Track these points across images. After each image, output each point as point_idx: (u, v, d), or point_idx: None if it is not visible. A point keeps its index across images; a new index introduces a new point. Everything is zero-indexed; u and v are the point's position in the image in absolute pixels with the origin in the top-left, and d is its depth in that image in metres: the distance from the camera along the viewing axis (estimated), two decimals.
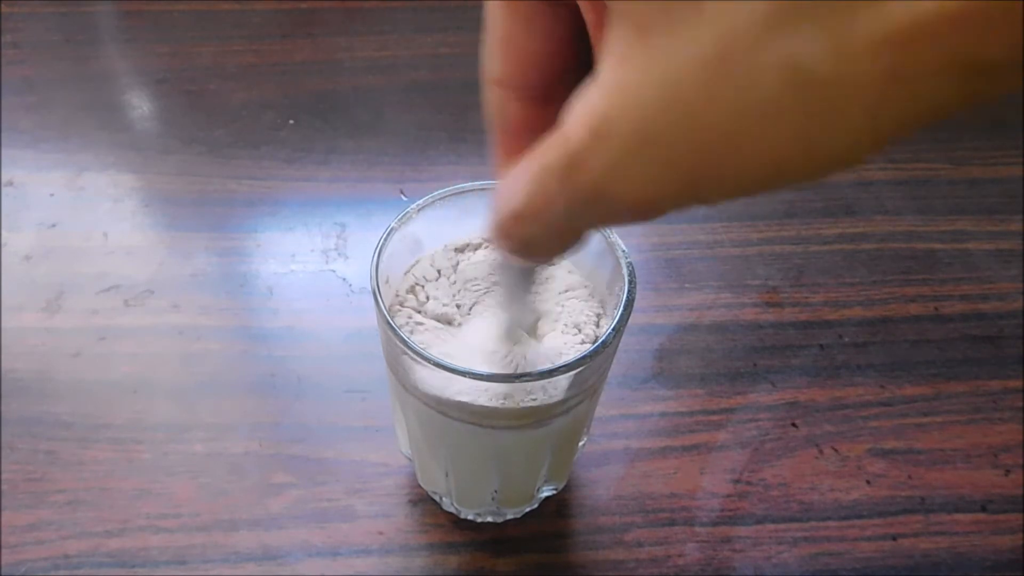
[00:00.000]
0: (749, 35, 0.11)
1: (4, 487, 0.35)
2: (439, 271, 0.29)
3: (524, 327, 0.26)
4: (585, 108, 0.13)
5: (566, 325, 0.28)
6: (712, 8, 0.11)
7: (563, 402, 0.26)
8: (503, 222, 0.16)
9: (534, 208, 0.15)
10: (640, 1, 0.12)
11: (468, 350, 0.27)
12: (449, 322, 0.28)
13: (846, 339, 0.42)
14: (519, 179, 0.15)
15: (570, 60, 0.16)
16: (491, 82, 0.16)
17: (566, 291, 0.29)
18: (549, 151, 0.14)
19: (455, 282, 0.29)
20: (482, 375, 0.24)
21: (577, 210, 0.14)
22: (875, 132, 0.11)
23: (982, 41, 0.10)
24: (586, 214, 0.15)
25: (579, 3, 0.14)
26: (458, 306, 0.29)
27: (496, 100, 0.17)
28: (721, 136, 0.12)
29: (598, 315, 0.28)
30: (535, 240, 0.16)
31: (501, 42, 0.16)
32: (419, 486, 0.35)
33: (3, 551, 0.33)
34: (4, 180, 0.48)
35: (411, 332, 0.27)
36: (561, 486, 0.35)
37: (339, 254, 0.45)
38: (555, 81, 0.16)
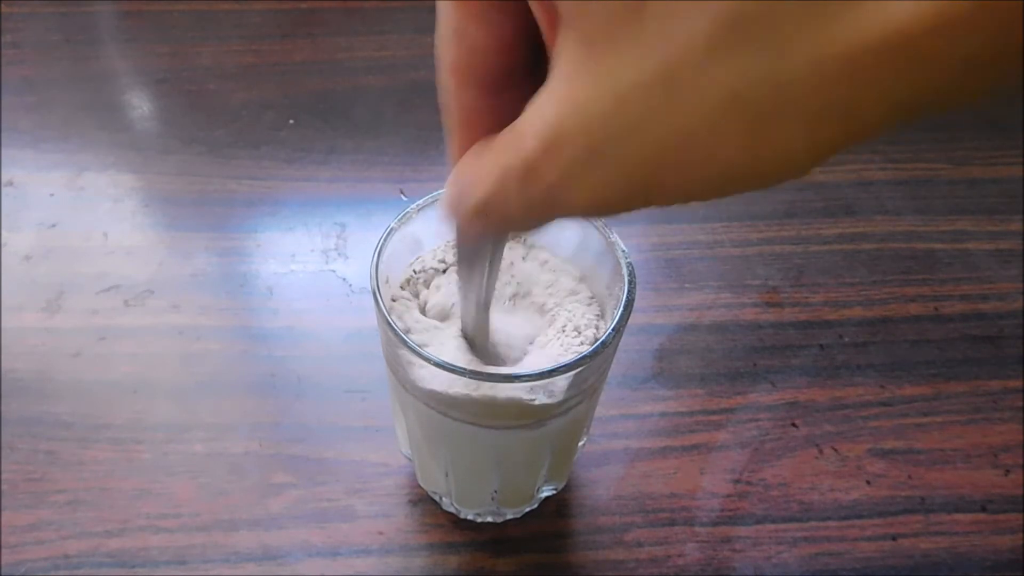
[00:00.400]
0: (690, 60, 0.11)
1: (4, 487, 0.35)
2: (443, 263, 0.29)
3: (483, 307, 0.25)
4: (538, 119, 0.14)
5: (566, 328, 0.28)
6: (653, 29, 0.12)
7: (563, 402, 0.26)
8: (464, 211, 0.17)
9: (494, 204, 0.16)
10: (585, 16, 0.12)
11: (464, 348, 0.27)
12: (446, 318, 0.28)
13: (846, 339, 0.42)
14: (478, 173, 0.16)
15: (522, 52, 0.16)
16: (445, 71, 0.17)
17: (568, 295, 0.29)
18: (507, 153, 0.15)
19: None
20: (482, 374, 0.24)
21: (534, 209, 0.15)
22: (814, 150, 0.12)
23: (918, 70, 0.10)
24: (543, 213, 0.15)
25: (531, 3, 0.14)
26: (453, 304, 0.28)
27: (451, 89, 0.17)
28: (666, 150, 0.12)
29: (598, 317, 0.28)
30: (496, 226, 0.17)
31: (453, 34, 0.16)
32: (419, 486, 0.35)
33: (3, 551, 0.33)
34: (4, 180, 0.48)
35: (408, 330, 0.27)
36: (561, 486, 0.35)
37: (339, 254, 0.45)
38: (508, 71, 0.16)
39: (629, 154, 0.13)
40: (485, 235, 0.18)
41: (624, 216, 0.15)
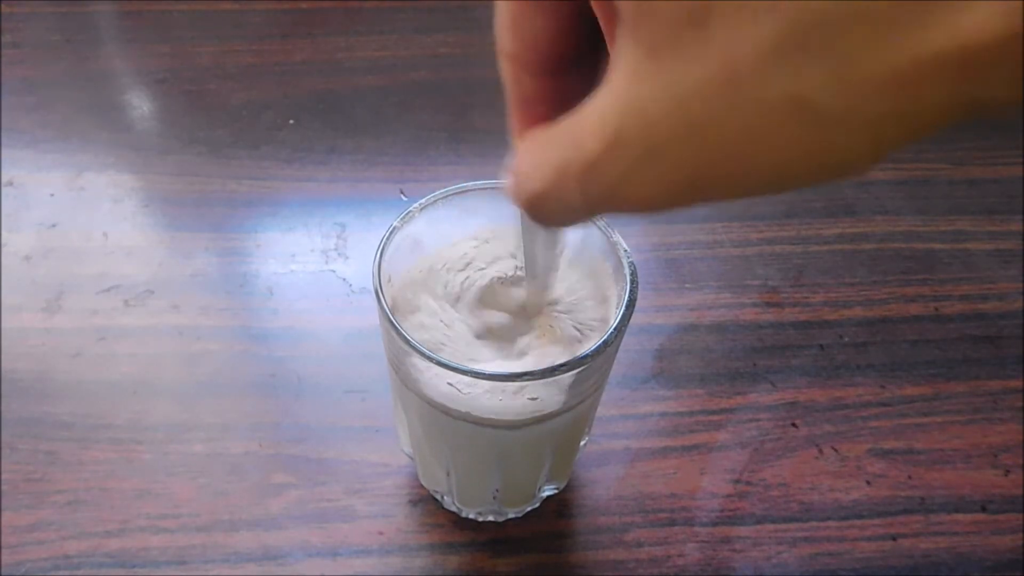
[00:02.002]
0: (755, 66, 0.11)
1: (4, 487, 0.35)
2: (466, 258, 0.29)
3: (543, 297, 0.26)
4: (598, 118, 0.14)
5: (568, 329, 0.28)
6: (720, 37, 0.12)
7: (564, 401, 0.26)
8: (525, 199, 0.17)
9: (553, 195, 0.16)
10: (649, 19, 0.12)
11: (470, 346, 0.27)
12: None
13: (846, 339, 0.42)
14: (537, 165, 0.16)
15: (579, 37, 0.16)
16: (503, 58, 0.17)
17: (573, 299, 0.29)
18: (567, 150, 0.15)
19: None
20: (483, 374, 0.24)
21: (591, 204, 0.16)
22: (875, 153, 0.12)
23: (983, 82, 0.10)
24: (600, 208, 0.16)
25: (593, 4, 0.15)
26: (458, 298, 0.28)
27: (509, 74, 0.17)
28: (725, 153, 0.13)
29: (602, 319, 0.28)
30: (552, 215, 0.17)
31: (510, 19, 0.16)
32: (419, 486, 0.35)
33: (3, 551, 0.33)
34: (4, 180, 0.48)
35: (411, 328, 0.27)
36: (563, 485, 0.35)
37: (339, 254, 0.45)
38: (565, 55, 0.17)
39: (688, 156, 0.13)
40: (542, 219, 0.19)
41: (667, 217, 0.15)
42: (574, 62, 0.16)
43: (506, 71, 0.17)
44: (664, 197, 0.14)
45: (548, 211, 0.17)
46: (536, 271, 0.25)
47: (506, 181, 0.18)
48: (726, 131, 0.12)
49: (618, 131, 0.14)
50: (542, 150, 0.16)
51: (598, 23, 0.16)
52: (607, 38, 0.15)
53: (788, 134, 0.12)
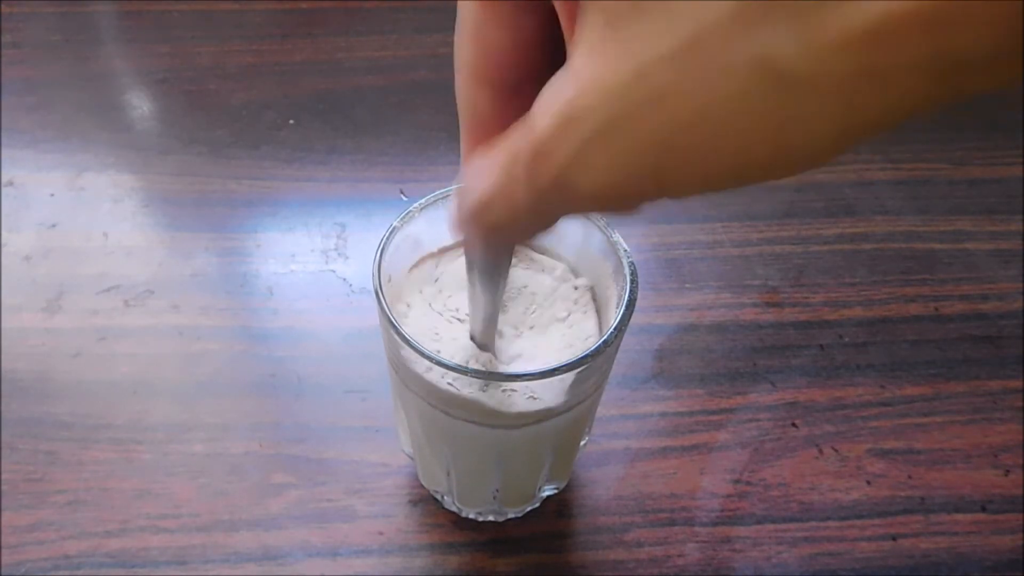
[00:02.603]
0: (719, 29, 0.11)
1: (4, 487, 0.35)
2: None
3: (489, 333, 0.25)
4: (552, 96, 0.13)
5: (570, 330, 0.28)
6: (683, 3, 0.11)
7: (564, 401, 0.26)
8: (471, 207, 0.16)
9: (500, 195, 0.15)
10: None
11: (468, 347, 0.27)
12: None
13: (846, 339, 0.42)
14: (486, 167, 0.15)
15: (541, 56, 0.16)
16: (462, 72, 0.17)
17: (575, 301, 0.29)
18: (515, 140, 0.14)
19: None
20: (483, 374, 0.24)
21: (542, 198, 0.15)
22: (845, 129, 0.11)
23: (955, 36, 0.10)
24: (551, 202, 0.15)
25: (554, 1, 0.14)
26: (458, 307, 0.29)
27: (466, 91, 0.17)
28: (688, 127, 0.12)
29: (601, 322, 0.28)
30: (501, 226, 0.16)
31: (472, 32, 0.16)
32: (419, 486, 0.35)
33: (3, 551, 0.33)
34: (4, 180, 0.48)
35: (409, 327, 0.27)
36: (563, 485, 0.35)
37: (339, 254, 0.45)
38: (525, 75, 0.16)
39: (647, 130, 0.12)
40: (490, 238, 0.17)
41: (629, 212, 0.14)
42: (532, 82, 0.15)
43: (463, 87, 0.17)
44: (619, 184, 0.13)
45: (494, 218, 0.16)
46: (479, 306, 0.24)
47: (452, 205, 0.17)
48: (689, 100, 0.12)
49: (572, 105, 0.13)
50: (491, 152, 0.15)
51: (561, 40, 0.15)
52: (567, 35, 0.14)
53: (754, 102, 0.11)
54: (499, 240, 0.18)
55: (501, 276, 0.22)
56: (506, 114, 0.16)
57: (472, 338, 0.26)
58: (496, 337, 0.26)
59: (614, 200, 0.14)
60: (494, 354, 0.26)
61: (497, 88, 0.16)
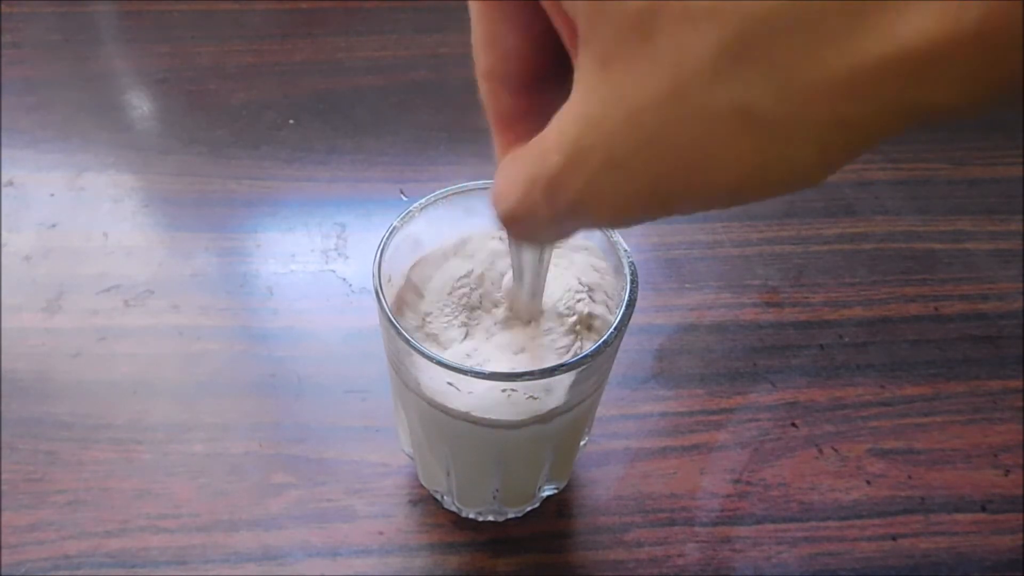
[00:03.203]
0: (699, 76, 0.12)
1: (4, 487, 0.35)
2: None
3: (534, 306, 0.26)
4: (560, 134, 0.15)
5: (574, 323, 0.28)
6: (663, 49, 0.12)
7: (565, 401, 0.26)
8: (502, 215, 0.17)
9: (524, 212, 0.16)
10: (598, 34, 0.13)
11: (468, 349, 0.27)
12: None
13: (846, 339, 0.42)
14: (511, 182, 0.16)
15: (553, 52, 0.16)
16: (482, 75, 0.17)
17: (586, 290, 0.29)
18: (533, 166, 0.16)
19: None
20: (483, 373, 0.24)
21: (559, 218, 0.16)
22: (825, 163, 0.12)
23: (928, 90, 0.10)
24: (569, 221, 0.16)
25: (551, 17, 0.15)
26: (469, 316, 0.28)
27: (488, 92, 0.18)
28: (680, 163, 0.13)
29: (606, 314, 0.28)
30: (526, 231, 0.17)
31: (485, 38, 0.17)
32: (419, 486, 0.35)
33: (3, 551, 0.33)
34: (4, 180, 0.48)
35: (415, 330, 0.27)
36: (563, 485, 0.35)
37: (339, 254, 0.45)
38: (541, 70, 0.17)
39: (644, 167, 0.13)
40: (524, 238, 0.19)
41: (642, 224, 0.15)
42: (552, 77, 0.17)
43: (485, 89, 0.18)
44: (628, 208, 0.14)
45: (522, 227, 0.17)
46: (524, 283, 0.25)
47: (492, 209, 0.18)
48: (676, 142, 0.13)
49: (577, 144, 0.14)
50: (515, 167, 0.16)
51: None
52: (571, 54, 0.15)
53: (736, 144, 0.12)
54: (531, 242, 0.19)
55: (542, 261, 0.24)
56: (530, 111, 0.17)
57: (515, 315, 0.27)
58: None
59: (625, 220, 0.15)
60: (538, 320, 0.27)
61: (516, 88, 0.17)
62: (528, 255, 0.23)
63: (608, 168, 0.14)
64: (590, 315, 0.27)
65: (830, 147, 0.12)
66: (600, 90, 0.13)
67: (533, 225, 0.17)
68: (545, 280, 0.25)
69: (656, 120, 0.13)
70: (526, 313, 0.27)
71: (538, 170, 0.15)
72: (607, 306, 0.28)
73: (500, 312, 0.28)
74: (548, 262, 0.24)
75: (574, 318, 0.27)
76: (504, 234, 0.23)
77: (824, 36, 0.11)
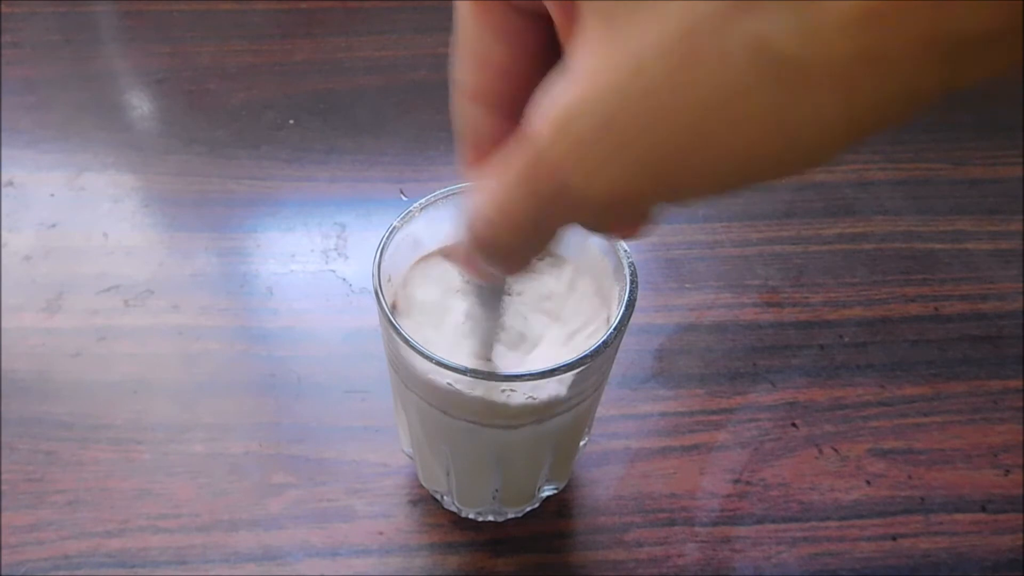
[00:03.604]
0: (714, 16, 0.11)
1: (4, 487, 0.35)
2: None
3: (494, 342, 0.26)
4: (549, 101, 0.13)
5: (571, 329, 0.28)
6: None
7: (564, 401, 0.26)
8: (476, 229, 0.16)
9: (504, 212, 0.15)
10: None
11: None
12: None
13: (846, 339, 0.42)
14: (488, 187, 0.15)
15: (540, 74, 0.15)
16: (460, 90, 0.16)
17: (580, 299, 0.29)
18: (515, 154, 0.14)
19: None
20: (483, 373, 0.24)
21: (545, 209, 0.14)
22: (850, 118, 0.11)
23: (955, 14, 0.10)
24: (555, 213, 0.14)
25: (547, 3, 0.14)
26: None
27: (466, 113, 0.16)
28: (688, 124, 0.12)
29: (607, 317, 0.28)
30: (507, 245, 0.16)
31: (470, 46, 0.16)
32: (419, 486, 0.35)
33: (3, 551, 0.33)
34: (4, 180, 0.48)
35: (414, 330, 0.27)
36: (562, 485, 0.35)
37: (339, 254, 0.45)
38: (524, 94, 0.15)
39: (647, 129, 0.12)
40: (494, 263, 0.17)
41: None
42: (532, 99, 0.15)
43: (462, 111, 0.16)
44: (621, 187, 0.13)
45: (500, 239, 0.15)
46: (481, 334, 0.25)
47: (463, 229, 0.16)
48: (687, 97, 0.11)
49: (568, 108, 0.13)
50: (490, 174, 0.15)
51: (557, 57, 0.14)
52: (564, 43, 0.14)
53: (754, 93, 0.11)
54: (505, 264, 0.17)
55: (500, 298, 0.23)
56: (505, 134, 0.16)
57: (475, 354, 0.26)
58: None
59: (617, 206, 0.14)
60: (495, 363, 0.27)
61: (498, 109, 0.16)
62: (487, 303, 0.23)
63: (602, 132, 0.12)
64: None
65: (856, 94, 0.11)
66: (603, 47, 0.12)
67: (514, 229, 0.15)
68: (502, 326, 0.25)
69: (665, 70, 0.11)
70: (483, 355, 0.26)
71: (521, 155, 0.14)
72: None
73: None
74: (504, 306, 0.24)
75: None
76: (466, 280, 0.22)
77: None
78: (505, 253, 0.16)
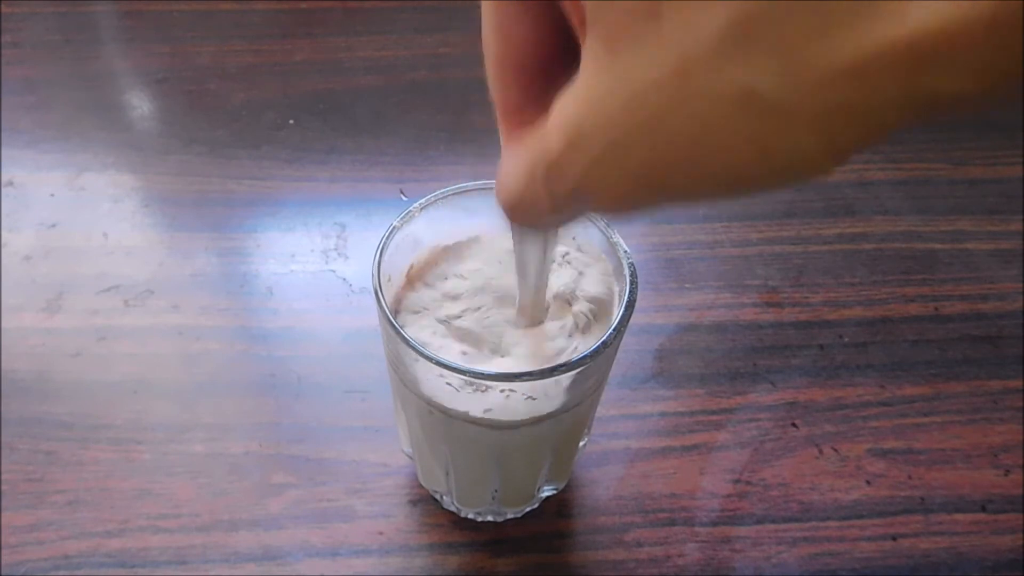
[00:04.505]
0: (704, 58, 0.12)
1: (4, 487, 0.35)
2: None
3: (539, 303, 0.26)
4: (562, 116, 0.15)
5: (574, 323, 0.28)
6: (670, 28, 0.12)
7: (564, 401, 0.26)
8: (503, 202, 0.18)
9: (525, 200, 0.17)
10: (605, 15, 0.13)
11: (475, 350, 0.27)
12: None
13: (846, 339, 0.42)
14: (512, 169, 0.17)
15: (563, 41, 0.16)
16: (491, 66, 0.17)
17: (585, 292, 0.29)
18: (534, 151, 0.16)
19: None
20: (483, 374, 0.24)
21: (560, 204, 0.16)
22: (831, 153, 0.12)
23: (936, 74, 0.10)
24: (571, 207, 0.16)
25: (561, 4, 0.15)
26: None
27: (497, 81, 0.18)
28: (682, 148, 0.13)
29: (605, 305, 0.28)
30: (527, 217, 0.18)
31: (495, 29, 0.17)
32: (419, 486, 0.35)
33: (3, 551, 0.33)
34: (4, 180, 0.48)
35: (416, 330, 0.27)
36: (562, 486, 0.35)
37: (339, 254, 0.45)
38: (550, 64, 0.17)
39: (646, 149, 0.13)
40: (525, 227, 0.19)
41: (644, 215, 0.15)
42: (561, 68, 0.16)
43: (494, 78, 0.17)
44: (627, 193, 0.14)
45: (523, 213, 0.17)
46: (527, 278, 0.25)
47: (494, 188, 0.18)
48: (680, 124, 0.12)
49: (578, 126, 0.14)
50: (516, 155, 0.17)
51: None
52: (579, 41, 0.15)
53: (739, 128, 0.12)
54: (530, 227, 0.19)
55: (546, 252, 0.24)
56: (537, 102, 0.17)
57: (520, 308, 0.27)
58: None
59: (626, 207, 0.15)
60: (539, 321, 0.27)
61: (525, 79, 0.17)
62: (531, 248, 0.23)
63: (609, 151, 0.14)
64: (590, 298, 0.27)
65: (835, 136, 0.12)
66: (605, 72, 0.13)
67: (535, 212, 0.17)
68: (548, 276, 0.25)
69: (659, 102, 0.12)
70: (532, 313, 0.27)
71: (539, 155, 0.15)
72: (603, 283, 0.28)
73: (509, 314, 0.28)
74: (552, 256, 0.24)
75: (576, 306, 0.27)
76: (509, 229, 0.23)
77: (834, 19, 0.10)
78: (531, 224, 0.19)
